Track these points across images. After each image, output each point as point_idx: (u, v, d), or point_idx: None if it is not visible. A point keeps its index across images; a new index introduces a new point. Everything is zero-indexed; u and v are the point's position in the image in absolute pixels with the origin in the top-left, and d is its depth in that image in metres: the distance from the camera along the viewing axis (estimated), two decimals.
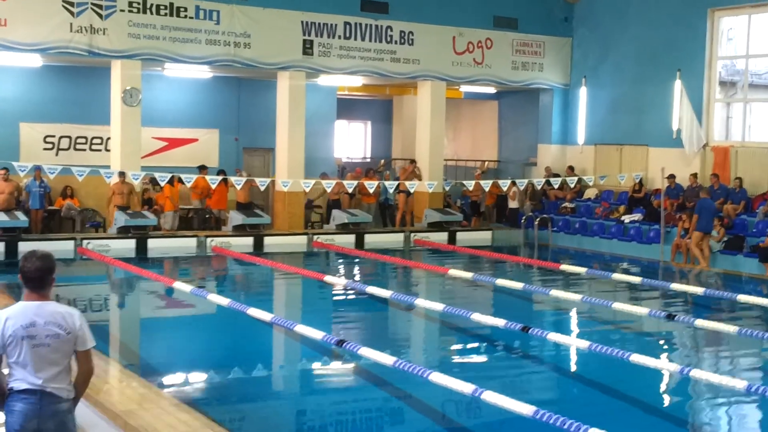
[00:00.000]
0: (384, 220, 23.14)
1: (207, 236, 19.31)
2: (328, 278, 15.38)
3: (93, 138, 21.06)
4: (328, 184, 20.58)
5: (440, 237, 21.33)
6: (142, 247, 18.38)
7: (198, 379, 9.61)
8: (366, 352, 9.60)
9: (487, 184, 21.99)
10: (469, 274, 16.04)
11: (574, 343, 11.17)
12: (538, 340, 10.91)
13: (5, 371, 4.85)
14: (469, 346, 11.67)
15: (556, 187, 23.20)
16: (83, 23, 18.34)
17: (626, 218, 20.88)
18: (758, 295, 14.73)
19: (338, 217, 20.85)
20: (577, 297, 13.66)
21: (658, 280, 16.33)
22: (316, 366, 10.40)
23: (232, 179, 19.95)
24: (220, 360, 10.36)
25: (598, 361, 10.25)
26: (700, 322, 11.82)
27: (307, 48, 20.76)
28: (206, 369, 9.93)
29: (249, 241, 19.50)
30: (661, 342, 12.11)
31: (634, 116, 22.51)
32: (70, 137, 20.88)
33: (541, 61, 23.89)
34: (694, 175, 20.18)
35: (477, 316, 11.63)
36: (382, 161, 26.82)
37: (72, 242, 17.99)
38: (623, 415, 8.54)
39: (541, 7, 23.89)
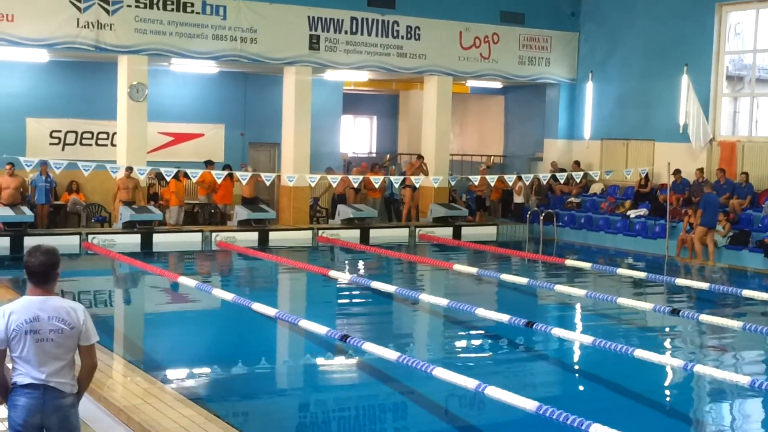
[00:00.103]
0: (389, 215, 23.14)
1: (212, 231, 19.34)
2: (332, 273, 15.40)
3: (99, 133, 21.10)
4: (334, 179, 20.58)
5: (445, 232, 21.32)
6: (147, 242, 18.42)
7: (202, 374, 9.64)
8: (370, 347, 9.61)
9: (492, 179, 21.97)
10: (473, 269, 16.05)
11: (578, 338, 11.16)
12: (543, 335, 10.91)
13: (9, 366, 4.87)
14: (473, 341, 11.68)
15: (561, 182, 23.18)
16: (90, 18, 18.37)
17: (632, 213, 20.85)
18: (763, 290, 14.69)
19: (343, 212, 20.86)
20: (581, 292, 13.64)
21: (663, 275, 16.32)
22: (320, 361, 10.43)
23: (238, 174, 19.98)
24: (224, 355, 10.38)
25: (602, 357, 10.25)
26: (704, 318, 11.81)
27: (314, 43, 20.76)
28: (210, 364, 9.96)
29: (254, 236, 19.52)
30: (666, 337, 12.10)
31: (641, 111, 22.46)
32: (76, 132, 20.92)
33: (548, 56, 23.84)
34: (701, 170, 20.14)
35: (481, 311, 11.63)
36: (388, 156, 26.82)
37: (77, 237, 18.03)
38: (627, 411, 8.54)
39: (548, 2, 23.83)
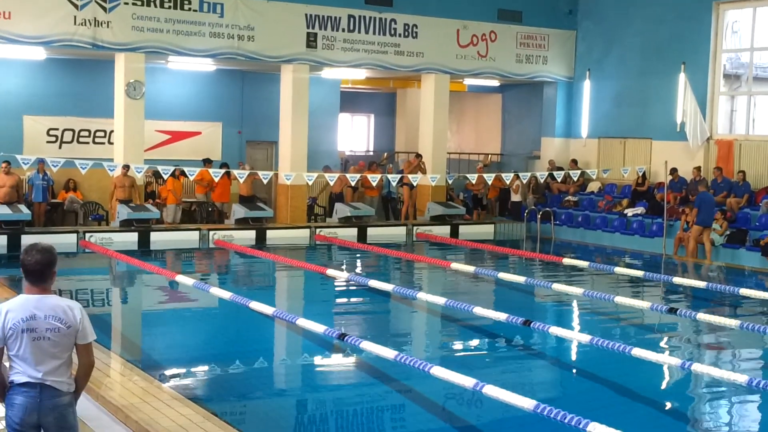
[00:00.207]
0: (387, 214, 23.14)
1: (209, 229, 19.32)
2: (330, 272, 15.39)
3: (96, 131, 21.07)
4: (331, 178, 20.57)
5: (443, 230, 21.32)
6: (144, 241, 18.40)
7: (200, 372, 9.63)
8: (367, 345, 9.62)
9: (490, 178, 21.98)
10: (471, 268, 16.05)
11: (575, 337, 11.17)
12: (540, 334, 10.91)
13: (6, 364, 4.86)
14: (470, 340, 11.68)
15: (559, 180, 23.18)
16: (87, 16, 18.34)
17: (629, 212, 20.86)
18: (760, 288, 14.71)
19: (341, 210, 20.85)
20: (579, 291, 13.65)
21: (660, 273, 16.33)
22: (318, 360, 10.43)
23: (235, 172, 19.97)
24: (222, 354, 10.36)
25: (599, 355, 10.25)
26: (701, 316, 11.82)
27: (311, 41, 20.74)
28: (208, 363, 9.95)
29: (251, 234, 19.51)
30: (663, 336, 12.11)
31: (638, 109, 22.47)
32: (73, 130, 20.89)
33: (546, 54, 23.84)
34: (698, 169, 20.15)
35: (479, 310, 11.63)
36: (385, 154, 26.80)
37: (75, 235, 18.01)
38: (624, 409, 8.54)
39: (546, 0, 23.83)
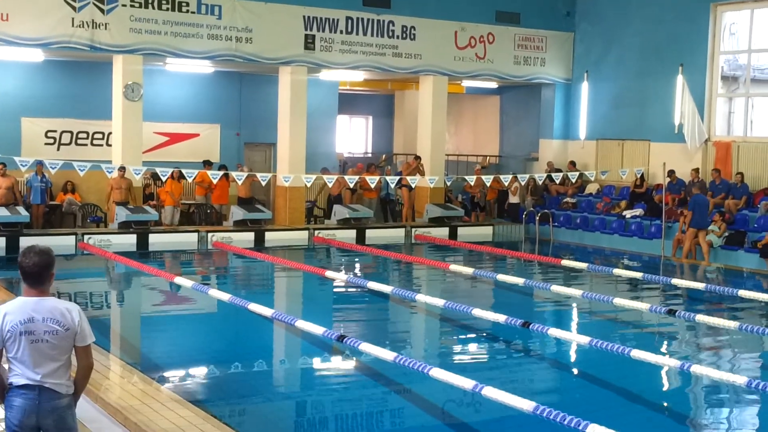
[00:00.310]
0: (385, 216, 23.14)
1: (208, 231, 19.31)
2: (329, 273, 15.38)
3: (94, 133, 21.05)
4: (330, 179, 20.57)
5: (441, 232, 21.31)
6: (143, 243, 18.39)
7: (199, 374, 9.62)
8: (366, 347, 9.61)
9: (488, 179, 21.98)
10: (470, 270, 16.05)
11: (574, 338, 11.17)
12: (539, 335, 10.91)
13: (5, 366, 4.85)
14: (469, 341, 11.68)
15: (557, 182, 23.19)
16: (85, 18, 18.34)
17: (627, 213, 20.86)
18: (759, 290, 14.72)
19: (339, 212, 20.84)
20: (578, 292, 13.65)
21: (659, 275, 16.33)
22: (317, 361, 10.41)
23: (234, 174, 19.96)
24: (221, 355, 10.36)
25: (598, 357, 10.25)
26: (700, 318, 11.83)
27: (309, 43, 20.74)
28: (207, 364, 9.94)
29: (250, 236, 19.50)
30: (662, 337, 12.11)
31: (636, 111, 22.48)
32: (71, 132, 20.87)
33: (543, 56, 23.85)
34: (696, 170, 20.15)
35: (478, 312, 11.63)
36: (384, 156, 26.80)
37: (73, 237, 17.99)
38: (623, 411, 8.54)
39: (544, 2, 23.84)
